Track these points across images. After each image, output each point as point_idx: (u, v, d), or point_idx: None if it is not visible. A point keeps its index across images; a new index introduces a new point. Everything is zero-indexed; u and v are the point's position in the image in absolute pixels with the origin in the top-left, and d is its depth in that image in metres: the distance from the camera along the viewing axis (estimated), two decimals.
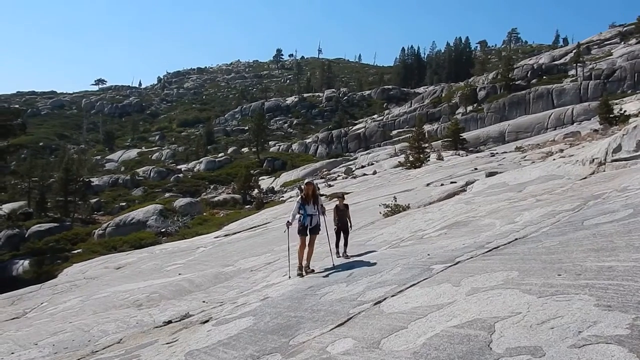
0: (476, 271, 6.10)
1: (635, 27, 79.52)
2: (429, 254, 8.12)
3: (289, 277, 9.47)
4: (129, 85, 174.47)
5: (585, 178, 13.41)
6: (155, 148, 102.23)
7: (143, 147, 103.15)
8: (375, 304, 5.93)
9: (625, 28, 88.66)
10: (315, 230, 9.52)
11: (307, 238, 9.45)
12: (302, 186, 9.87)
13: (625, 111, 40.42)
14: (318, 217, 9.50)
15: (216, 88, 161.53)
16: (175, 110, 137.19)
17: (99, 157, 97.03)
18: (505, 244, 7.50)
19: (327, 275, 8.59)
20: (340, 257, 10.97)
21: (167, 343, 6.91)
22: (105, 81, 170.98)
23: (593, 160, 14.34)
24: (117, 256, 27.41)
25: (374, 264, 8.53)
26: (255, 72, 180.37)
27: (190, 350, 6.21)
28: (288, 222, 9.43)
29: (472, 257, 7.08)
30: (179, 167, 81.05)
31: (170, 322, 8.55)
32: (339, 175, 58.24)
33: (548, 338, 3.73)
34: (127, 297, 13.33)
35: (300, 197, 9.57)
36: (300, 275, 9.16)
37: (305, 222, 9.33)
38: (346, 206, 11.86)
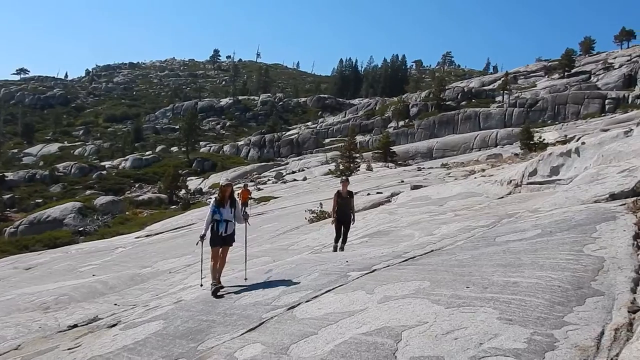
0: (390, 280, 6.16)
1: (559, 63, 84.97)
2: (347, 261, 8.15)
3: (201, 285, 8.46)
4: (53, 77, 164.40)
5: (502, 197, 14.02)
6: (79, 143, 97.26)
7: (65, 142, 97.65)
8: (289, 309, 5.86)
9: (549, 63, 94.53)
10: (229, 240, 8.12)
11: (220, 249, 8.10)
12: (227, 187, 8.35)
13: (544, 139, 42.94)
14: (234, 224, 8.13)
15: (148, 84, 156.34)
16: (103, 104, 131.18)
17: (15, 150, 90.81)
18: (421, 255, 7.65)
19: (244, 281, 8.30)
20: (336, 250, 10.16)
21: (69, 349, 6.50)
22: (28, 71, 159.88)
23: (510, 181, 15.02)
24: (29, 256, 25.82)
25: (293, 268, 8.46)
26: (190, 71, 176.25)
27: (93, 356, 5.86)
28: (202, 235, 8.02)
29: (388, 266, 7.16)
30: (103, 163, 77.70)
31: (75, 326, 8.07)
32: (269, 180, 58.08)
33: (451, 349, 3.79)
34: (33, 299, 12.46)
35: (214, 199, 8.14)
36: (217, 289, 7.72)
37: (220, 229, 7.91)
38: (350, 194, 10.50)
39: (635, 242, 5.94)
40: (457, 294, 5.04)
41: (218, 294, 7.54)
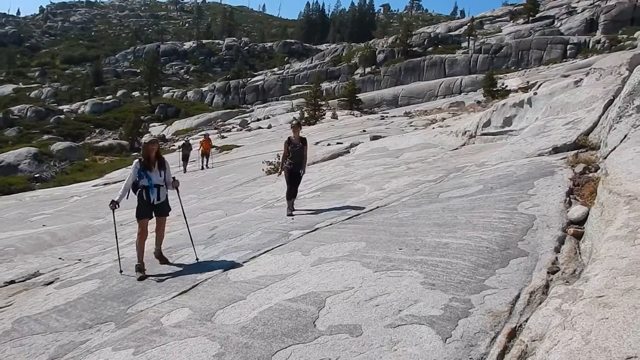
0: (329, 240, 6.15)
1: (524, 7, 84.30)
2: (292, 218, 8.12)
3: (120, 272, 6.72)
4: (4, 13, 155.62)
5: (456, 149, 14.07)
6: (35, 85, 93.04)
7: (20, 83, 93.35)
8: (224, 270, 5.82)
9: (515, 8, 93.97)
10: (164, 209, 6.77)
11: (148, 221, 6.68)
12: (146, 144, 6.84)
13: (506, 86, 43.08)
14: (166, 189, 6.75)
15: (107, 25, 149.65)
16: (59, 45, 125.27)
17: None
18: (365, 212, 7.66)
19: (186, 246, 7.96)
20: (291, 214, 8.64)
21: None
22: None
23: (465, 132, 15.06)
24: None
25: (238, 225, 8.39)
26: (151, 11, 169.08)
27: (21, 317, 5.73)
28: (113, 201, 6.57)
29: (331, 224, 7.15)
30: (61, 107, 74.84)
31: (13, 282, 7.86)
32: (233, 127, 57.14)
33: (369, 316, 3.80)
34: None
35: (138, 160, 6.71)
36: (142, 277, 6.26)
37: (151, 197, 6.56)
38: (303, 140, 9.17)
39: (568, 198, 5.99)
40: (388, 257, 5.05)
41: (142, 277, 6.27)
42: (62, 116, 67.41)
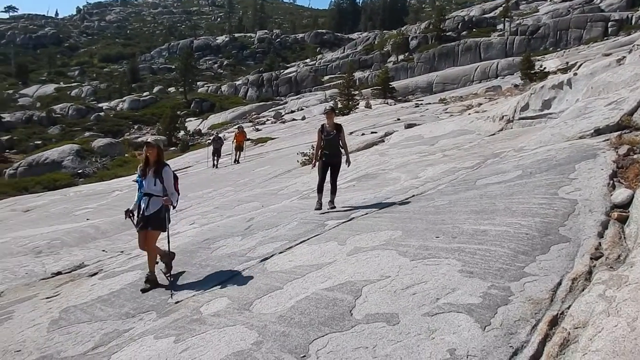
0: (364, 229, 6.12)
1: None
2: (321, 213, 8.09)
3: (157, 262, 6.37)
4: (43, 15, 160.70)
5: (493, 135, 13.79)
6: (75, 84, 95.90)
7: (61, 83, 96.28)
8: (262, 260, 5.88)
9: None
10: (155, 221, 6.02)
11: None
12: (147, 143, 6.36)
13: (545, 68, 41.92)
14: (159, 201, 5.99)
15: (141, 22, 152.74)
16: (96, 44, 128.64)
17: (11, 91, 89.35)
18: (401, 201, 7.59)
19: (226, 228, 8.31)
20: (322, 209, 7.91)
21: (47, 298, 6.59)
22: (17, 9, 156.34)
23: (503, 117, 14.73)
24: (27, 198, 26.01)
25: (274, 216, 8.44)
26: (184, 7, 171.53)
27: (67, 307, 5.95)
28: (128, 210, 6.19)
29: (366, 214, 7.12)
30: (100, 105, 76.97)
31: (59, 273, 8.16)
32: (268, 120, 57.50)
33: (407, 305, 3.77)
34: (27, 243, 12.61)
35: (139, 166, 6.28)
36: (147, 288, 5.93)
37: (142, 205, 6.05)
38: (338, 127, 8.20)
39: (611, 181, 5.78)
40: (425, 245, 5.00)
41: (143, 288, 5.87)
42: (102, 113, 69.36)
